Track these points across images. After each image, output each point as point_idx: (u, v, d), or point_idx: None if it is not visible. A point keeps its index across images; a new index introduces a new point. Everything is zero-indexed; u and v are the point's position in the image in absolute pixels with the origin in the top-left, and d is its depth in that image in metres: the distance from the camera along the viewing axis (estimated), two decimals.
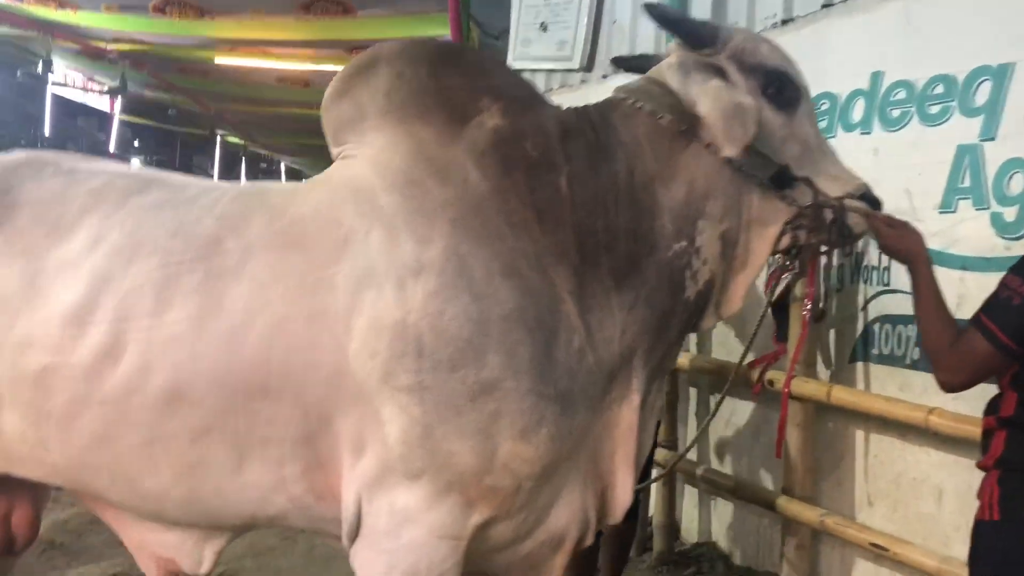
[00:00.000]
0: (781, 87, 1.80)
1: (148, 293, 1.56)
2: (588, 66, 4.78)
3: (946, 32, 2.83)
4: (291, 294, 1.54)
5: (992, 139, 2.60)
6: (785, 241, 1.81)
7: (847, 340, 3.09)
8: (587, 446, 1.68)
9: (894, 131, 2.98)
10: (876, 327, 2.96)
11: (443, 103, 1.67)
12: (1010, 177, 2.51)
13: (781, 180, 1.75)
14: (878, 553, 2.78)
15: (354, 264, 1.53)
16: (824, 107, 3.22)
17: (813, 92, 3.12)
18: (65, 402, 1.58)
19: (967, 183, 2.63)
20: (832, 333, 3.16)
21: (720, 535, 3.90)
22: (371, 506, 1.54)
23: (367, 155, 1.68)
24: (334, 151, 1.79)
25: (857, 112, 3.13)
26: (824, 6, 3.39)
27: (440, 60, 1.74)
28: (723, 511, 3.87)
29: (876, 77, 3.06)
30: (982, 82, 2.66)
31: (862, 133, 3.09)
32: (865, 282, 3.01)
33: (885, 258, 2.80)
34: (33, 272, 1.59)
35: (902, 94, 2.95)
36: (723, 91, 1.70)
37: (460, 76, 1.71)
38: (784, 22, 3.56)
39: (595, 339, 1.63)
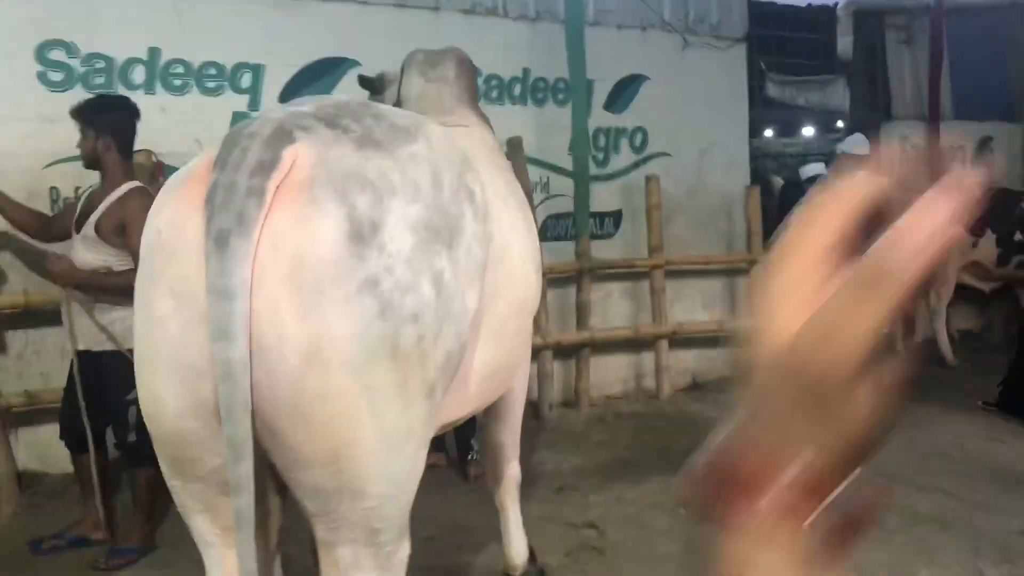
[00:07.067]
0: None
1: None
2: None
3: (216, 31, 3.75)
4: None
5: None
6: None
7: None
8: None
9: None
10: None
11: (474, 94, 2.64)
12: None
13: None
14: None
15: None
16: (100, 66, 3.63)
17: (87, 50, 3.60)
18: None
19: None
20: None
21: None
22: None
23: (474, 124, 2.45)
24: (441, 119, 2.18)
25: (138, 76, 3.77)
26: None
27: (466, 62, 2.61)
28: None
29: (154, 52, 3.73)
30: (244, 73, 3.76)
31: (146, 93, 3.72)
32: None
33: None
34: None
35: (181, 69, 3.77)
36: None
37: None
38: None
39: None
